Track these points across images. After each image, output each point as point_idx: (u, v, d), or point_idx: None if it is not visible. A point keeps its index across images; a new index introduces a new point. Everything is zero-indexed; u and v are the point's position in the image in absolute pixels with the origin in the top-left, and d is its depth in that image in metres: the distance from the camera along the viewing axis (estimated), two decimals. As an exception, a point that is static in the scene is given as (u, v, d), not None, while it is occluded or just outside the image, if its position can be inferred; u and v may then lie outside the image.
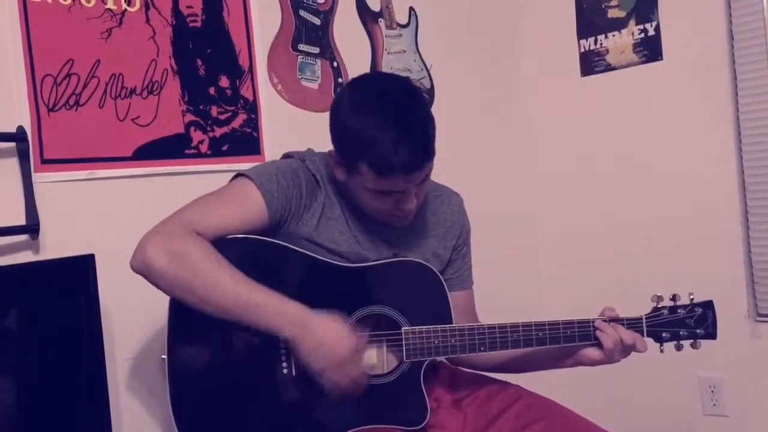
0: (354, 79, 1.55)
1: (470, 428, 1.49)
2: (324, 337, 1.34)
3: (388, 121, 1.39)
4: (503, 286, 2.45)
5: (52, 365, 1.47)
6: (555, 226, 2.77)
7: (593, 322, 1.48)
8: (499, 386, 1.56)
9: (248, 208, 1.44)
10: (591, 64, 2.63)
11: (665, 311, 1.51)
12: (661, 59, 2.45)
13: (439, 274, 1.52)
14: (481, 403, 1.52)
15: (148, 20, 1.84)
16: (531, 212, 2.80)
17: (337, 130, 1.46)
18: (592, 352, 1.48)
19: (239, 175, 1.51)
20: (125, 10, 1.80)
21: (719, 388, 2.39)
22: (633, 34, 2.51)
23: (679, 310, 1.51)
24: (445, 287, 1.51)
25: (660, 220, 2.48)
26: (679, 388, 2.45)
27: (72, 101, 1.71)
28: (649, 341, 1.50)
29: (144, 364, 1.79)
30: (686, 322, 1.51)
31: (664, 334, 1.50)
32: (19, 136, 1.62)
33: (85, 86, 1.73)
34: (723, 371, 2.37)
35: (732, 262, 2.32)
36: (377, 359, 1.49)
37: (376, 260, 1.50)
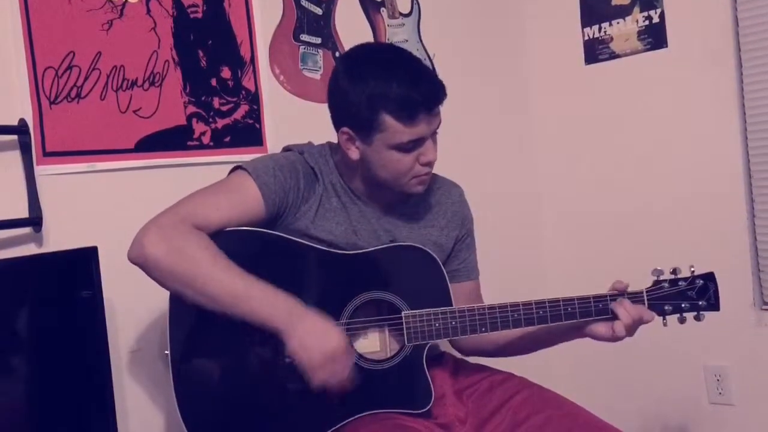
0: (342, 56, 1.56)
1: (471, 419, 1.50)
2: (314, 331, 1.35)
3: (394, 69, 1.45)
4: (507, 273, 2.44)
5: (56, 357, 1.48)
6: (559, 215, 2.77)
7: (592, 298, 1.48)
8: (501, 377, 1.56)
9: (245, 200, 1.45)
10: (595, 52, 2.61)
11: (666, 284, 1.51)
12: (666, 47, 2.43)
13: (435, 257, 1.52)
14: (482, 394, 1.53)
15: (149, 11, 1.83)
16: (535, 201, 2.79)
17: (343, 104, 1.48)
18: (598, 326, 1.49)
19: (237, 168, 1.51)
20: (126, 1, 1.79)
21: (725, 376, 2.38)
22: (637, 21, 2.49)
23: (680, 283, 1.51)
24: (443, 269, 1.52)
25: (665, 208, 2.47)
26: (684, 377, 2.45)
27: (73, 93, 1.71)
28: (652, 313, 1.49)
29: (148, 355, 1.79)
30: (688, 294, 1.50)
31: (666, 307, 1.50)
32: (20, 129, 1.62)
33: (86, 78, 1.73)
34: (728, 360, 2.37)
35: (737, 251, 2.31)
36: (379, 344, 1.49)
37: (374, 247, 1.51)
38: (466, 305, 1.50)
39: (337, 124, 1.51)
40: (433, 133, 1.48)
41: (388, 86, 1.41)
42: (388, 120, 1.42)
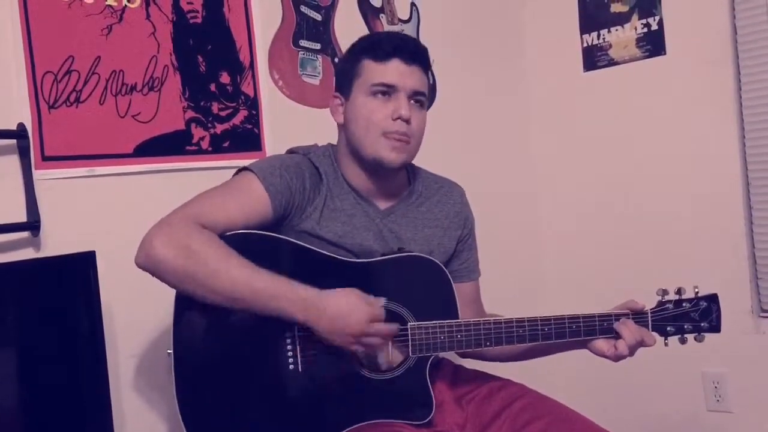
0: None
1: (471, 425, 1.49)
2: (336, 314, 1.35)
3: (382, 33, 1.65)
4: (506, 280, 2.44)
5: (54, 363, 1.47)
6: (558, 221, 2.77)
7: (597, 317, 1.48)
8: (500, 384, 1.56)
9: (252, 201, 1.44)
10: (594, 59, 2.62)
11: (670, 305, 1.51)
12: (665, 54, 2.44)
13: (444, 269, 1.51)
14: (482, 401, 1.52)
15: (148, 16, 1.84)
16: (533, 208, 2.80)
17: (336, 74, 1.64)
18: (600, 343, 1.49)
19: (243, 169, 1.51)
20: (125, 6, 1.80)
21: (723, 383, 2.38)
22: (636, 28, 2.50)
23: (684, 304, 1.51)
24: (451, 281, 1.51)
25: (663, 215, 2.47)
26: (682, 384, 2.45)
27: (72, 98, 1.71)
28: (654, 335, 1.50)
29: (147, 360, 1.79)
30: (691, 316, 1.50)
31: (668, 328, 1.50)
32: (19, 134, 1.61)
33: (85, 83, 1.73)
34: (727, 367, 2.36)
35: (736, 258, 2.32)
36: (382, 354, 1.49)
37: (382, 255, 1.50)
38: (473, 319, 1.49)
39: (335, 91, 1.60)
40: (411, 97, 1.50)
41: (371, 38, 1.59)
42: (365, 62, 1.51)
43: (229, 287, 1.33)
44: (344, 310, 1.35)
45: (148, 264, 1.35)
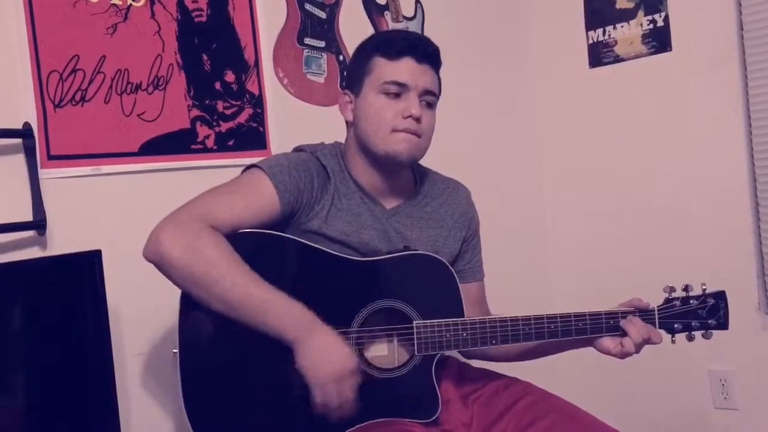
0: None
1: (477, 423, 1.49)
2: (324, 348, 1.34)
3: (394, 31, 1.78)
4: (512, 279, 2.44)
5: (59, 361, 1.48)
6: (563, 218, 2.76)
7: (604, 315, 1.48)
8: (506, 382, 1.56)
9: (260, 199, 1.44)
10: (599, 55, 2.61)
11: (677, 302, 1.50)
12: (671, 50, 2.43)
13: (450, 267, 1.51)
14: (488, 399, 1.52)
15: (153, 15, 1.84)
16: (538, 205, 2.79)
17: (347, 71, 1.64)
18: (606, 341, 1.49)
19: (251, 166, 1.51)
20: (130, 5, 1.80)
21: (730, 381, 2.38)
22: (642, 25, 2.49)
23: (691, 301, 1.50)
24: (457, 280, 1.50)
25: (669, 212, 2.46)
26: (689, 382, 2.44)
27: (78, 97, 1.71)
28: (661, 332, 1.49)
29: (153, 359, 1.79)
30: (698, 313, 1.50)
31: (676, 326, 1.50)
32: (25, 133, 1.62)
33: (90, 82, 1.73)
34: (733, 364, 2.36)
35: (742, 255, 2.31)
36: (388, 352, 1.49)
37: (387, 253, 1.50)
38: (478, 317, 1.49)
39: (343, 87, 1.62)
40: (422, 96, 1.51)
41: (382, 36, 1.61)
42: (377, 59, 1.51)
43: (230, 296, 1.33)
44: (331, 350, 1.33)
45: (155, 258, 1.35)
